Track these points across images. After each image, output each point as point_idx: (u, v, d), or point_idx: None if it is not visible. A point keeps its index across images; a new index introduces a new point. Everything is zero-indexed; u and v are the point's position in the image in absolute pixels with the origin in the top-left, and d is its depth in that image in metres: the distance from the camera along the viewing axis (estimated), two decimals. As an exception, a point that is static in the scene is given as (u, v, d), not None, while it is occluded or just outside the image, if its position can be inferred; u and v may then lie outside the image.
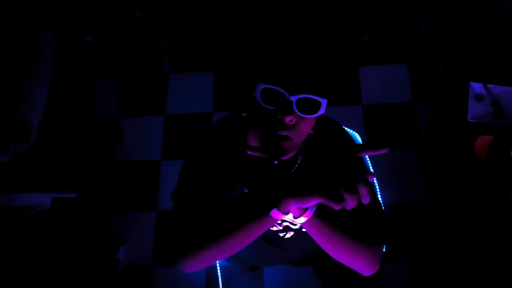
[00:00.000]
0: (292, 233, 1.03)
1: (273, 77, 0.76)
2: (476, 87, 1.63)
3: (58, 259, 1.75)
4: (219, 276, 1.72)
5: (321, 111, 0.77)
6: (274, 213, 0.75)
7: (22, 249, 1.63)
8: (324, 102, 0.76)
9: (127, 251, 1.94)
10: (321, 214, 0.79)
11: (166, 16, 2.46)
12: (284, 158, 0.81)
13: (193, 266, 0.87)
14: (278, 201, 0.73)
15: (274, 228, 1.02)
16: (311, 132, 0.85)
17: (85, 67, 2.39)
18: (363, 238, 0.85)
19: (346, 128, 2.12)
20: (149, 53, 2.41)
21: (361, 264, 0.85)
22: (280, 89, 0.75)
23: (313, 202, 0.69)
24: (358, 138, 2.02)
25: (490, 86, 1.61)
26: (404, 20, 2.29)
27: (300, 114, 0.76)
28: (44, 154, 1.66)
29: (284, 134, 0.77)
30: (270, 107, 0.76)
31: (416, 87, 2.12)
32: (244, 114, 0.85)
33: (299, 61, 0.77)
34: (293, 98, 0.75)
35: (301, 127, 0.79)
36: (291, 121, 0.76)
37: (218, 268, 1.72)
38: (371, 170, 1.93)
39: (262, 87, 0.75)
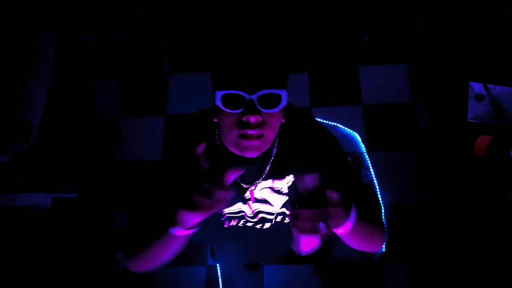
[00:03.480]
0: (269, 224, 1.03)
1: (228, 82, 0.76)
2: (476, 87, 1.63)
3: (59, 259, 1.76)
4: (219, 276, 1.72)
5: (283, 103, 0.77)
6: (177, 231, 0.73)
7: (23, 248, 1.63)
8: (283, 93, 0.76)
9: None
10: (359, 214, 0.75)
11: (166, 16, 2.47)
12: (257, 154, 0.81)
13: (135, 268, 0.90)
14: (175, 219, 0.71)
15: (249, 224, 1.03)
16: (283, 121, 0.85)
17: (85, 67, 2.39)
18: (374, 220, 0.87)
19: (345, 128, 2.12)
20: (149, 53, 2.41)
21: (375, 246, 0.89)
22: (238, 92, 0.75)
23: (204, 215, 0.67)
24: (358, 138, 2.02)
25: (490, 86, 1.61)
26: (404, 20, 2.29)
27: (264, 110, 0.76)
28: (44, 154, 1.66)
29: (255, 133, 0.77)
30: (235, 111, 0.76)
31: (416, 87, 2.12)
32: (215, 120, 0.86)
33: (251, 59, 0.77)
34: (253, 97, 0.75)
35: (270, 121, 0.79)
36: (257, 119, 0.76)
37: (218, 268, 1.73)
38: (371, 170, 1.93)
39: (221, 94, 0.76)
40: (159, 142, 2.17)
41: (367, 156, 1.96)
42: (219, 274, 1.74)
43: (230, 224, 1.03)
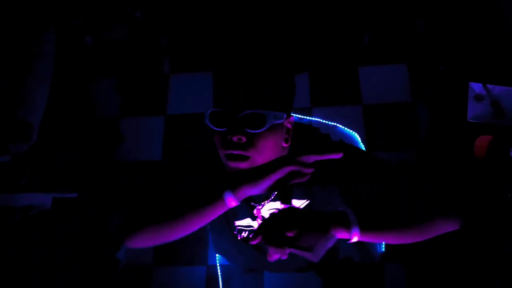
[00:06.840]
0: None
1: (217, 100, 0.78)
2: (476, 87, 1.63)
3: (59, 259, 1.75)
4: (219, 276, 1.73)
5: (268, 124, 0.75)
6: (228, 198, 0.77)
7: (23, 248, 1.63)
8: (269, 114, 0.75)
9: (127, 251, 1.94)
10: (367, 224, 0.76)
11: (166, 16, 2.47)
12: None
13: (139, 241, 0.90)
14: (233, 188, 0.77)
15: None
16: (285, 145, 0.83)
17: (85, 67, 2.39)
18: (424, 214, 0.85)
19: (345, 128, 2.12)
20: (149, 53, 2.41)
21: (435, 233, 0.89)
22: (223, 110, 0.75)
23: (267, 183, 0.75)
24: (358, 138, 2.02)
25: (489, 86, 1.61)
26: (404, 20, 2.29)
27: (248, 131, 0.75)
28: (44, 154, 1.66)
29: (238, 153, 0.76)
30: (219, 129, 0.77)
31: (416, 87, 2.12)
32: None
33: (242, 78, 0.76)
34: (240, 116, 0.74)
35: (257, 143, 0.77)
36: (240, 139, 0.75)
37: (218, 268, 1.73)
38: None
39: (209, 111, 0.76)
40: (159, 142, 2.17)
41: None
42: (219, 274, 1.74)
43: (242, 236, 1.04)
